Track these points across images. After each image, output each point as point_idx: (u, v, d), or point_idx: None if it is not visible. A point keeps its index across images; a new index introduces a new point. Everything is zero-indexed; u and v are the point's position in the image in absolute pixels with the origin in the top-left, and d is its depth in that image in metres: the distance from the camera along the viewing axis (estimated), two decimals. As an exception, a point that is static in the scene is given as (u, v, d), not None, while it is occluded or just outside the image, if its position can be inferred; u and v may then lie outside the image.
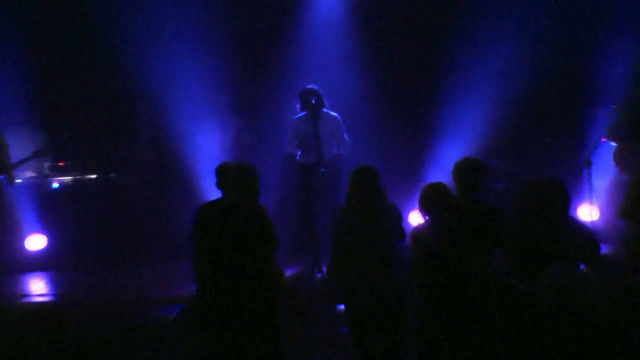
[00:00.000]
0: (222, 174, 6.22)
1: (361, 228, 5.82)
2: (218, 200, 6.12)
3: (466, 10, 10.39)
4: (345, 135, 9.02)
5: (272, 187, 9.33)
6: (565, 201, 5.60)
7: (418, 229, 6.06)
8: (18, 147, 10.31)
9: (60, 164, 10.91)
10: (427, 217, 5.92)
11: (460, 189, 6.11)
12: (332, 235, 6.10)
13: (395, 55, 11.05)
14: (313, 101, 8.82)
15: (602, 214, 8.90)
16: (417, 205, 7.70)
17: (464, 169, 6.13)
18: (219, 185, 6.23)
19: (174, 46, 10.45)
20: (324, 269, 8.38)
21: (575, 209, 9.11)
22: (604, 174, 9.08)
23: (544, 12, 10.11)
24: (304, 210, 8.96)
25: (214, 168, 6.34)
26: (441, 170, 9.92)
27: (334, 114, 8.99)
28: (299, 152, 8.91)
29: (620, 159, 8.86)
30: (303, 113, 8.88)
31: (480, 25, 10.23)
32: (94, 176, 11.02)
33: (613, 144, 8.97)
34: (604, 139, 8.75)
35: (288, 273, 8.44)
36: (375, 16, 10.95)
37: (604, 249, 8.32)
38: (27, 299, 8.77)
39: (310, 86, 9.00)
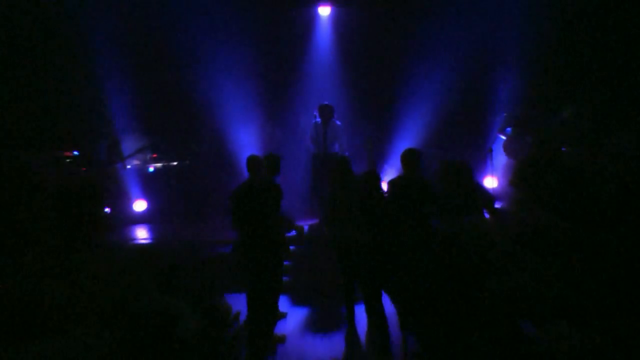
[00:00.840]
0: (250, 163, 6.28)
1: (340, 196, 5.95)
2: (248, 180, 6.18)
3: (417, 46, 10.34)
4: (344, 137, 8.91)
5: (294, 170, 9.50)
6: (469, 172, 5.83)
7: (394, 178, 6.25)
8: (129, 146, 10.61)
9: (154, 155, 11.02)
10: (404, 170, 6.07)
11: (404, 169, 6.17)
12: (325, 200, 6.29)
13: (369, 77, 10.99)
14: (315, 112, 8.80)
15: (499, 183, 8.84)
16: (383, 178, 7.79)
17: (407, 156, 6.18)
18: (248, 169, 6.26)
19: (228, 75, 10.39)
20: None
21: (482, 179, 9.20)
22: (500, 158, 9.16)
23: (464, 51, 10.11)
24: (314, 185, 8.90)
25: (245, 158, 6.36)
26: (397, 155, 10.16)
27: (339, 123, 8.85)
28: (313, 147, 8.89)
29: (507, 148, 8.98)
30: (319, 120, 8.78)
31: (424, 58, 10.19)
32: (175, 163, 11.14)
33: (503, 137, 9.06)
34: (499, 134, 8.85)
35: (309, 223, 8.65)
36: (355, 51, 10.89)
37: (501, 205, 8.46)
38: (135, 242, 8.90)
39: (324, 103, 8.87)
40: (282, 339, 5.89)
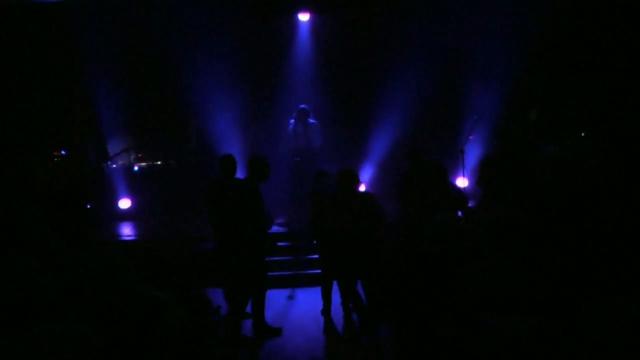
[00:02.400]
0: (222, 162, 6.08)
1: (320, 194, 6.06)
2: (221, 178, 6.03)
3: (391, 50, 10.37)
4: (319, 133, 9.10)
5: (277, 169, 9.54)
6: (444, 171, 5.99)
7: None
8: (114, 146, 10.58)
9: (139, 155, 10.92)
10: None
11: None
12: (307, 198, 6.44)
13: (346, 79, 11.00)
14: (294, 114, 9.00)
15: (470, 182, 9.00)
16: (363, 179, 7.84)
17: (414, 155, 6.46)
18: (220, 167, 6.06)
19: (213, 79, 10.26)
20: None
21: (455, 179, 9.29)
22: (471, 159, 9.15)
23: (437, 56, 10.17)
24: (295, 182, 8.85)
25: (218, 158, 6.17)
26: (373, 154, 10.37)
27: (314, 121, 9.03)
28: (293, 144, 9.00)
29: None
30: (294, 121, 9.03)
31: (398, 62, 10.21)
32: (159, 162, 11.06)
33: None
34: (470, 137, 8.94)
35: (292, 218, 8.75)
36: (333, 54, 10.89)
37: (471, 203, 8.57)
38: (121, 238, 8.82)
39: (300, 105, 9.09)
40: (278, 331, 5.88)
